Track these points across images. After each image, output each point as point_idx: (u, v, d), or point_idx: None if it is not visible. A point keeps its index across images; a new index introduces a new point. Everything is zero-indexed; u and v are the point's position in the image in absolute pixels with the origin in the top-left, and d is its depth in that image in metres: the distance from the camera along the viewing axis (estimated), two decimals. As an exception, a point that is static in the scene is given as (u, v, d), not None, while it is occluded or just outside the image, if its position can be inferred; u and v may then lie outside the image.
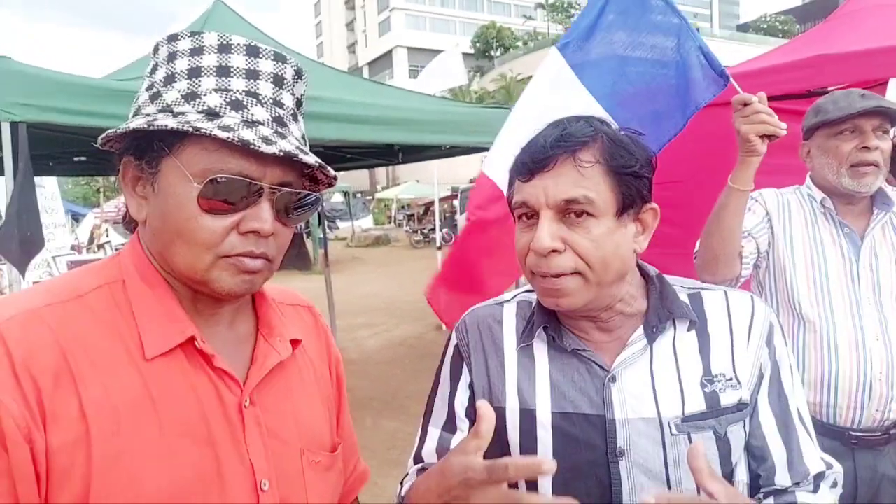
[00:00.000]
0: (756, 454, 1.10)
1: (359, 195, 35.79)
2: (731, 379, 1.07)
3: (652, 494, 0.83)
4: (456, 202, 22.81)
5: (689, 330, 1.10)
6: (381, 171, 42.72)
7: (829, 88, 3.28)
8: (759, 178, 2.09)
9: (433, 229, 19.68)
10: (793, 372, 1.14)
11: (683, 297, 1.13)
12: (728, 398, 1.06)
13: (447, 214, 23.56)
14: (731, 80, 2.10)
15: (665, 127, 2.36)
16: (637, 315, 1.11)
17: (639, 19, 2.50)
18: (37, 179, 8.59)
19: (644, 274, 1.15)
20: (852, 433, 1.84)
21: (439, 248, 9.98)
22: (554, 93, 2.68)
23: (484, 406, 0.84)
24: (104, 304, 0.83)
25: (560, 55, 2.68)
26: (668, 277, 1.16)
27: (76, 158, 6.42)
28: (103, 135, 0.83)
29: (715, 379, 1.07)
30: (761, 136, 1.71)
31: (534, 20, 70.75)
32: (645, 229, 1.09)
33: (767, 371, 1.11)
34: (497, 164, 2.78)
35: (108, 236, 14.96)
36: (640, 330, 1.09)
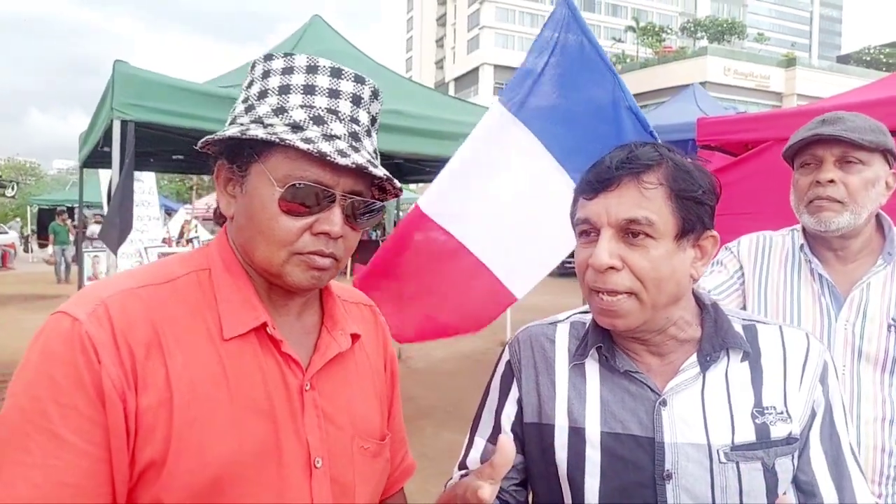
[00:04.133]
0: (804, 489, 1.09)
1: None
2: (781, 412, 1.07)
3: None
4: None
5: (742, 361, 1.10)
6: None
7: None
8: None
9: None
10: (845, 410, 1.14)
11: (738, 328, 1.13)
12: (778, 431, 1.06)
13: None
14: (658, 140, 2.07)
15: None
16: (690, 342, 1.11)
17: (579, 74, 2.53)
18: (136, 174, 9.23)
19: (699, 302, 1.16)
20: None
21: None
22: (499, 142, 2.71)
23: (504, 440, 0.86)
24: (192, 288, 0.94)
25: (503, 107, 2.72)
26: (723, 308, 1.17)
27: (174, 157, 6.88)
28: (203, 139, 0.94)
29: (766, 411, 1.07)
30: None
31: (623, 43, 69.88)
32: (704, 256, 1.09)
33: (820, 409, 1.10)
34: (437, 204, 2.81)
35: (196, 231, 15.83)
36: (694, 357, 1.09)
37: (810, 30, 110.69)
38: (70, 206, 19.01)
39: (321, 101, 0.93)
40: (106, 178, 11.85)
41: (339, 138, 0.92)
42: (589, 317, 1.17)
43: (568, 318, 1.25)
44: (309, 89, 0.93)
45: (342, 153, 0.89)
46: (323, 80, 0.94)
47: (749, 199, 3.21)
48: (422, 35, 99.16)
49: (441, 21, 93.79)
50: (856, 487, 1.08)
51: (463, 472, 1.23)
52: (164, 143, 5.59)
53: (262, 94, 0.94)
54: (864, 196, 1.61)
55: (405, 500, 1.26)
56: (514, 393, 1.20)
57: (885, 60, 66.26)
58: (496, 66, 77.27)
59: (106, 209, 12.32)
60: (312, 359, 0.99)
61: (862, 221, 1.64)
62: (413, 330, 2.77)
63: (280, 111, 0.92)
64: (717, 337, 1.10)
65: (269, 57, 0.97)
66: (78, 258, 6.97)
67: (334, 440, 0.98)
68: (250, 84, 0.97)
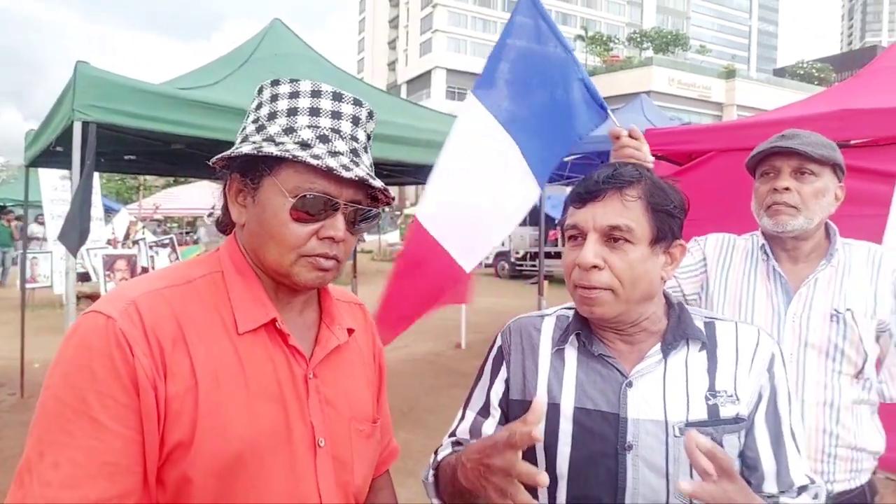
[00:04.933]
0: (749, 464, 1.24)
1: (387, 210, 36.24)
2: (731, 395, 1.23)
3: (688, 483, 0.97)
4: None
5: (700, 350, 1.27)
6: (410, 188, 43.21)
7: (853, 142, 3.44)
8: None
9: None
10: (789, 396, 1.30)
11: (699, 323, 1.30)
12: (727, 411, 1.22)
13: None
14: (610, 113, 2.18)
15: (549, 157, 2.45)
16: (657, 333, 1.28)
17: (534, 51, 2.62)
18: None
19: (668, 301, 1.33)
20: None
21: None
22: (476, 138, 2.73)
23: (538, 400, 1.00)
24: (208, 288, 1.04)
25: (475, 98, 2.75)
26: (689, 307, 1.35)
27: (126, 157, 6.76)
28: (218, 156, 1.04)
29: (718, 394, 1.23)
30: None
31: (572, 51, 71.25)
32: (673, 261, 1.28)
33: (766, 393, 1.26)
34: (433, 216, 2.76)
35: (142, 233, 15.43)
36: (658, 345, 1.26)
37: (749, 43, 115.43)
38: (2, 204, 18.05)
39: (325, 122, 1.04)
40: (46, 177, 11.45)
41: (342, 154, 1.03)
42: (572, 311, 1.34)
43: (554, 312, 1.42)
44: (314, 111, 1.04)
45: (346, 167, 1.01)
46: (326, 104, 1.05)
47: (692, 205, 3.43)
48: (374, 37, 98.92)
49: (393, 23, 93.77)
50: (790, 460, 1.25)
51: (453, 439, 1.38)
52: (116, 144, 5.51)
53: (272, 116, 1.05)
54: (814, 203, 1.82)
55: (391, 480, 1.38)
56: (502, 374, 1.37)
57: (816, 74, 70.10)
58: (448, 70, 77.78)
59: (47, 209, 11.91)
60: (315, 350, 1.10)
61: (813, 226, 1.85)
62: (391, 329, 2.78)
63: (289, 131, 1.03)
64: (679, 329, 1.27)
65: (276, 82, 1.07)
66: (22, 260, 6.76)
67: (334, 423, 1.09)
68: (259, 106, 1.07)
